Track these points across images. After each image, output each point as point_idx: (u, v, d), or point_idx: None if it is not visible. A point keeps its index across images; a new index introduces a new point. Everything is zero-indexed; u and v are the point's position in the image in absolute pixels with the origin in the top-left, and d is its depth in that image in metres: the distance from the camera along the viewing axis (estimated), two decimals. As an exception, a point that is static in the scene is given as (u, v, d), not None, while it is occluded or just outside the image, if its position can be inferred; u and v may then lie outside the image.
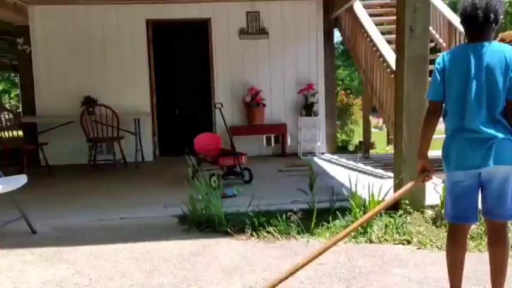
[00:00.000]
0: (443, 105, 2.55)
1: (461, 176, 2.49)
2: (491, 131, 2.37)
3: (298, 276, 3.10)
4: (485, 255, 3.37)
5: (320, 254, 2.63)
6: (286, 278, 2.59)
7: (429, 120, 2.60)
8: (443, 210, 4.14)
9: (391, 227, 3.86)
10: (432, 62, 5.48)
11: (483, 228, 3.74)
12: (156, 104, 8.28)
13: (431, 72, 5.40)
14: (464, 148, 2.43)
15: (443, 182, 4.36)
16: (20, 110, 11.40)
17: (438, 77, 2.51)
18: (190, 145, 6.24)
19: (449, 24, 7.42)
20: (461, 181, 2.50)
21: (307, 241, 3.77)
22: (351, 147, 10.43)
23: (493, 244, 2.54)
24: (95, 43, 7.89)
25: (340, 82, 25.07)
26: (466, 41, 2.52)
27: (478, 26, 2.41)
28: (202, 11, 8.00)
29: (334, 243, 2.70)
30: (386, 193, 4.07)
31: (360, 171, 6.26)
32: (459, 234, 2.58)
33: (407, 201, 4.20)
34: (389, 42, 7.04)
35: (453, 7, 10.30)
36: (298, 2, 8.12)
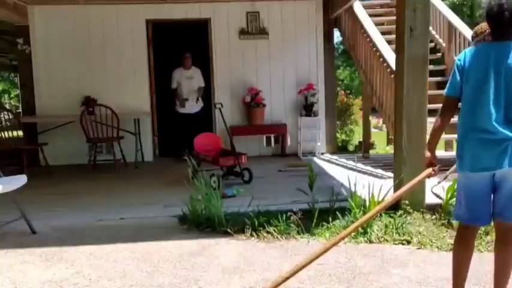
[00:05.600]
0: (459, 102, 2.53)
1: (475, 178, 2.47)
2: (507, 132, 2.33)
3: (298, 276, 3.10)
4: (485, 255, 3.39)
5: (324, 251, 2.61)
6: (287, 278, 2.58)
7: (444, 115, 2.57)
8: (442, 210, 4.15)
9: (391, 227, 3.86)
10: (432, 62, 5.52)
11: (483, 228, 3.74)
12: (156, 104, 8.28)
13: (431, 72, 5.43)
14: (478, 149, 2.41)
15: (438, 183, 4.38)
16: (20, 110, 11.39)
17: (457, 74, 2.49)
18: (190, 145, 6.24)
19: (449, 24, 7.42)
20: (475, 182, 2.47)
21: (308, 241, 3.77)
22: (351, 147, 10.44)
23: (500, 245, 2.51)
24: (95, 43, 7.90)
25: (340, 82, 25.08)
26: (490, 40, 2.50)
27: (503, 26, 2.39)
28: (202, 11, 8.01)
29: (343, 238, 2.68)
30: (387, 193, 4.07)
31: (359, 171, 6.28)
32: (468, 235, 2.56)
33: (407, 202, 4.19)
34: (389, 42, 7.04)
35: (453, 7, 10.32)
36: (298, 2, 8.12)
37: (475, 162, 2.43)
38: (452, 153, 5.54)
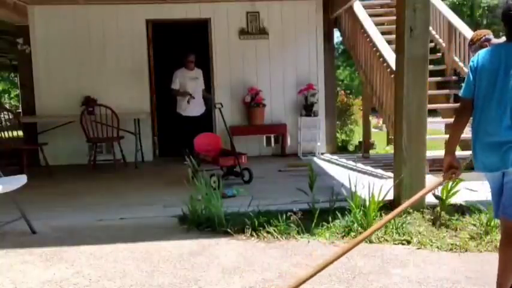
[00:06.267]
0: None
1: (489, 176, 2.56)
2: (510, 134, 2.37)
3: (298, 276, 3.10)
4: (486, 255, 3.40)
5: (352, 247, 2.66)
6: (312, 276, 2.57)
7: (460, 116, 2.62)
8: (442, 210, 4.14)
9: (391, 227, 3.86)
10: (432, 62, 5.51)
11: (483, 229, 3.75)
12: (156, 104, 8.28)
13: (431, 72, 5.44)
14: (486, 150, 2.46)
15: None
16: (20, 110, 11.40)
17: (471, 75, 2.53)
18: (190, 145, 6.24)
19: (449, 24, 7.43)
20: (490, 181, 2.57)
21: (308, 241, 3.77)
22: (351, 147, 10.44)
23: (504, 243, 2.52)
24: (95, 43, 7.90)
25: (340, 82, 25.11)
26: (505, 41, 2.51)
27: None
28: (202, 11, 8.01)
29: (370, 235, 2.76)
30: (387, 193, 4.07)
31: (359, 171, 6.29)
32: (507, 229, 2.55)
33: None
34: (389, 42, 7.04)
35: (453, 7, 10.32)
36: (298, 2, 8.12)
37: (485, 163, 2.49)
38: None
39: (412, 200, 2.73)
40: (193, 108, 7.38)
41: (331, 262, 2.61)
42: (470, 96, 2.54)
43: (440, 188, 4.14)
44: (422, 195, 2.75)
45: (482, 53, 2.53)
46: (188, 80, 7.37)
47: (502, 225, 2.57)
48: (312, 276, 2.56)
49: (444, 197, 4.15)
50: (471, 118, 2.61)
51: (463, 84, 2.62)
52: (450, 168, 2.62)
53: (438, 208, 4.20)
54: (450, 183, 4.11)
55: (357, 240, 2.77)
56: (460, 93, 2.63)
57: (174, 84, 7.35)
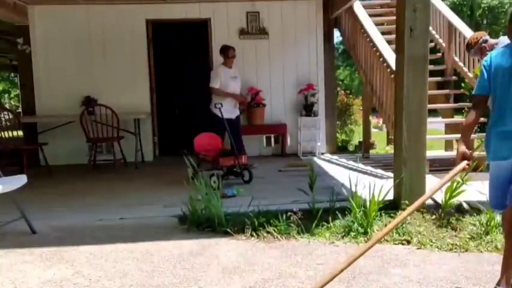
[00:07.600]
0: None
1: (496, 166, 2.67)
2: None
3: (298, 276, 3.11)
4: (485, 255, 3.40)
5: (374, 243, 2.73)
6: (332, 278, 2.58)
7: (472, 111, 2.76)
8: (442, 210, 4.14)
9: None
10: (432, 62, 5.51)
11: (483, 229, 3.75)
12: (156, 104, 8.28)
13: (431, 72, 5.44)
14: (499, 139, 2.61)
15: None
16: (20, 110, 11.40)
17: (485, 74, 2.68)
18: (190, 145, 6.24)
19: (449, 24, 7.43)
20: (497, 170, 2.66)
21: (308, 241, 3.77)
22: (351, 147, 10.43)
23: (508, 234, 2.59)
24: (95, 43, 7.90)
25: (340, 82, 25.12)
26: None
27: None
28: (202, 11, 8.01)
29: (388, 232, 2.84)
30: (387, 193, 4.07)
31: (360, 171, 6.29)
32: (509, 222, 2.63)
33: (407, 202, 4.19)
34: (389, 42, 7.04)
35: (453, 7, 10.31)
36: (298, 2, 8.13)
37: (496, 152, 2.64)
38: (452, 153, 5.52)
39: (434, 190, 2.84)
40: (231, 110, 6.62)
41: (349, 265, 2.63)
42: (484, 93, 2.70)
43: (443, 188, 4.14)
44: (443, 183, 2.81)
45: (494, 53, 2.71)
46: (230, 79, 6.47)
47: (506, 217, 2.61)
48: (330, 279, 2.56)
49: (447, 197, 4.14)
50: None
51: (476, 84, 2.78)
52: (463, 158, 2.71)
53: (438, 208, 4.20)
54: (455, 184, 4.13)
55: (378, 237, 2.83)
56: (474, 91, 2.79)
57: (215, 82, 6.38)
